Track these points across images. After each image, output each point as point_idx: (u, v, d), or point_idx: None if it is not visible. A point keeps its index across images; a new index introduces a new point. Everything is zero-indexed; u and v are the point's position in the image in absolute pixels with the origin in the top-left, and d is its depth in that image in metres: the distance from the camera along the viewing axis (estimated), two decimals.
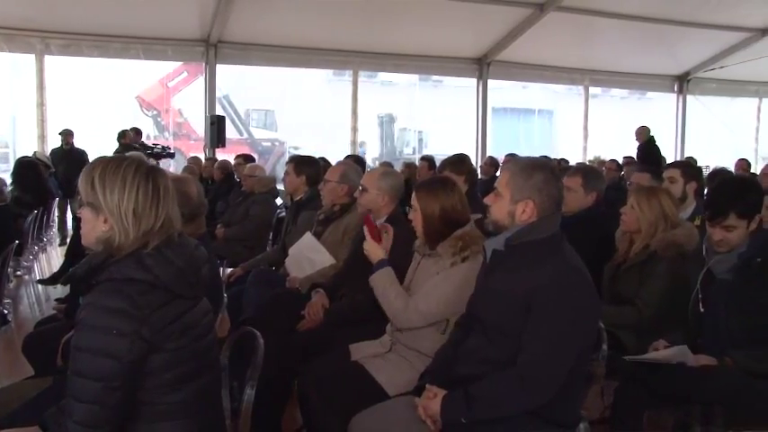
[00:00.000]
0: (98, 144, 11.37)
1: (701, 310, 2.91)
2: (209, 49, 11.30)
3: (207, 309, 1.99)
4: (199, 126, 12.84)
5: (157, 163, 8.86)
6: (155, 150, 10.61)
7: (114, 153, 8.83)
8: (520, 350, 2.17)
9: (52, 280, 6.45)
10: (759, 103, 16.41)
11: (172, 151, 11.38)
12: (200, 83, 12.69)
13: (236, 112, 21.77)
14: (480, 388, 2.20)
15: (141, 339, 1.72)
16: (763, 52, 13.25)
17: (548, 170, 2.31)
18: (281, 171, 5.65)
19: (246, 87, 21.04)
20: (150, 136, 19.91)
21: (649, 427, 2.98)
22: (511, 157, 9.12)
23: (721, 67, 14.22)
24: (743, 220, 2.77)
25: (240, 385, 2.35)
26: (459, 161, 4.86)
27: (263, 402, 2.83)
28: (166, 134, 21.81)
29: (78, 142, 10.05)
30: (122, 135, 10.44)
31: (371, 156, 18.83)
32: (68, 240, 8.06)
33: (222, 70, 11.90)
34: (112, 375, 1.70)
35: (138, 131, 10.75)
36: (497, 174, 9.02)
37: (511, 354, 2.19)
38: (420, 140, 24.19)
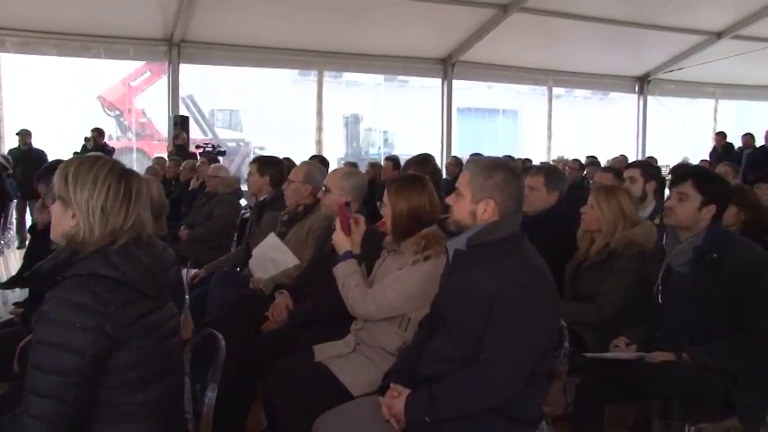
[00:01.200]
0: (58, 145, 11.18)
1: (660, 302, 2.96)
2: (172, 48, 11.18)
3: (174, 312, 1.99)
4: (162, 126, 12.69)
5: (211, 162, 8.84)
6: (206, 149, 10.61)
7: (168, 155, 8.95)
8: (483, 349, 2.18)
9: (10, 283, 6.29)
10: (716, 104, 16.81)
11: (223, 149, 11.39)
12: (163, 82, 12.53)
13: (200, 112, 21.54)
14: (443, 387, 2.20)
15: (104, 335, 1.71)
16: (719, 55, 13.58)
17: (508, 170, 2.32)
18: (246, 172, 5.61)
19: (211, 87, 20.83)
20: (113, 136, 19.61)
21: (610, 422, 3.02)
22: (475, 156, 9.19)
23: (680, 69, 14.53)
24: (698, 194, 2.81)
25: (203, 388, 2.33)
26: (424, 161, 4.88)
27: (226, 404, 2.82)
28: (129, 134, 21.49)
29: (37, 143, 9.85)
30: (176, 136, 10.64)
31: (337, 156, 18.71)
32: (27, 243, 7.89)
33: (186, 70, 11.80)
34: (73, 370, 1.69)
35: (100, 132, 10.58)
36: None
37: (474, 352, 2.21)
38: (385, 140, 24.22)
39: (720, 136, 13.17)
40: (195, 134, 17.37)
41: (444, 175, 10.19)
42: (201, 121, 21.83)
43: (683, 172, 2.89)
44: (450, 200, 2.39)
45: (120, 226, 1.82)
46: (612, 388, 2.85)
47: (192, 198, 7.13)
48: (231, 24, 10.82)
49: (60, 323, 1.69)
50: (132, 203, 1.85)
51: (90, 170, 1.82)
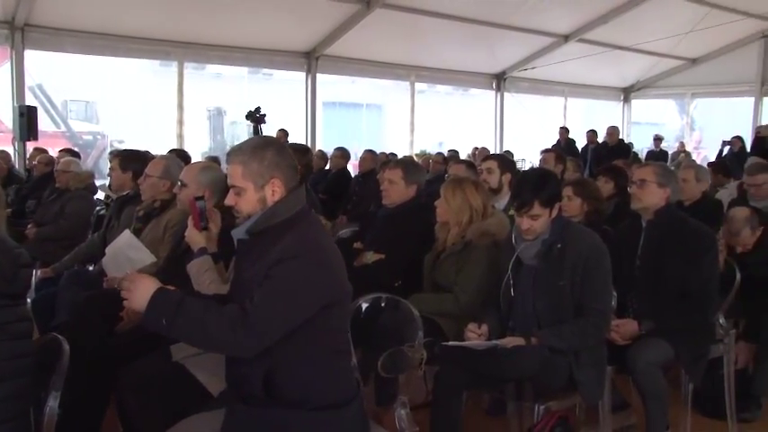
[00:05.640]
0: None
1: (512, 294, 3.12)
2: (15, 32, 10.28)
3: (27, 316, 1.97)
4: (6, 117, 11.75)
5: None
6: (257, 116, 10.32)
7: None
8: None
9: None
10: (565, 102, 17.98)
11: (263, 113, 10.84)
12: (6, 69, 11.58)
13: (51, 102, 20.16)
14: (195, 307, 2.04)
15: None
16: (566, 56, 14.54)
17: (273, 143, 2.26)
18: (104, 166, 5.34)
19: (63, 76, 19.50)
20: None
21: (468, 407, 3.16)
22: (339, 151, 9.21)
23: (533, 68, 15.36)
24: (545, 208, 2.99)
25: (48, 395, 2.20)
26: (303, 151, 4.70)
27: (77, 410, 2.68)
28: None
29: None
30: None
31: (200, 150, 18.09)
32: None
33: (33, 57, 10.95)
34: None
35: None
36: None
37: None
38: (250, 134, 23.72)
39: (564, 131, 14.09)
40: (46, 126, 16.31)
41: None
42: (53, 111, 20.48)
43: (526, 197, 2.98)
44: (230, 200, 2.25)
45: None
46: (469, 374, 2.96)
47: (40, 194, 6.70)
48: (82, 9, 10.15)
49: None
50: None
51: None
